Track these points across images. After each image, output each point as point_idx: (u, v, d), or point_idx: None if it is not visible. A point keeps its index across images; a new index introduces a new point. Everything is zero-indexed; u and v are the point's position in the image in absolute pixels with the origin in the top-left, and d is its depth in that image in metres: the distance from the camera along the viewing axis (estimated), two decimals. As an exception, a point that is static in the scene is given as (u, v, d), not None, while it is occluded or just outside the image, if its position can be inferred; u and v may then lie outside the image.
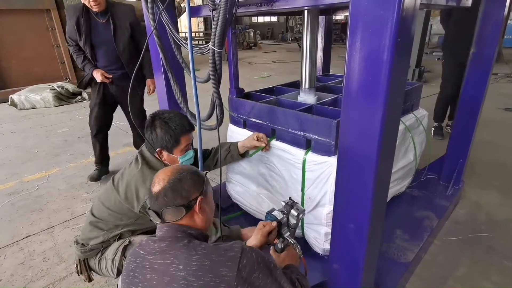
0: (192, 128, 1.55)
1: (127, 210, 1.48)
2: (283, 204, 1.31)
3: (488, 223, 2.27)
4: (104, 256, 1.54)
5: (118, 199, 1.47)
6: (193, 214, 1.01)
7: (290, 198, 1.33)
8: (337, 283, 1.38)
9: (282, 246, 1.27)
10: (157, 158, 1.51)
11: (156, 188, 0.99)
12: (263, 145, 1.74)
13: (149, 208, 1.02)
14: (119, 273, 1.50)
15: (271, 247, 1.29)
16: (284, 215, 1.29)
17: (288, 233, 1.28)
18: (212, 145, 1.91)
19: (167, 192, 0.97)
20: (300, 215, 1.28)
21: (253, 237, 1.28)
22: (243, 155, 1.88)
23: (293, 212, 1.28)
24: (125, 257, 1.49)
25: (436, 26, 14.57)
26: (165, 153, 1.50)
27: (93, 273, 1.62)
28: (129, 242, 1.52)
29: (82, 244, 1.54)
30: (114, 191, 1.49)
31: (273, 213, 1.33)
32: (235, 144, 1.86)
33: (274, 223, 1.28)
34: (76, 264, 1.60)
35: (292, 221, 1.28)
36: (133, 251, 1.00)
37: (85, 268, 1.58)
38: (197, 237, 0.99)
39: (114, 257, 1.50)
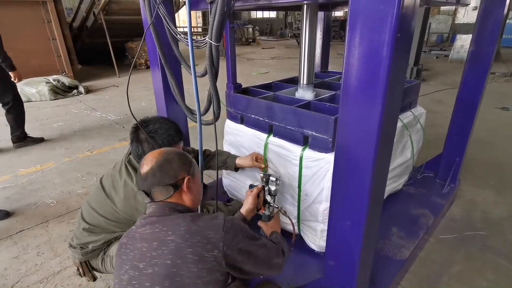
0: (180, 137, 1.47)
1: (125, 220, 1.44)
2: (261, 176, 1.53)
3: (483, 221, 2.28)
4: (107, 254, 1.51)
5: (115, 209, 1.43)
6: (181, 193, 1.06)
7: (266, 167, 1.62)
8: (333, 280, 1.38)
9: (269, 213, 1.47)
10: None
11: (145, 169, 1.03)
12: (262, 166, 1.77)
13: (138, 189, 1.07)
14: None
15: (259, 221, 1.44)
16: (264, 184, 1.51)
17: (272, 200, 1.49)
18: (208, 142, 1.90)
19: (155, 172, 1.01)
20: (278, 181, 1.50)
21: (245, 202, 1.40)
22: (237, 169, 1.89)
23: (272, 178, 1.50)
24: None
25: (435, 25, 14.60)
26: None
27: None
28: None
29: (81, 247, 1.49)
30: (107, 200, 1.44)
31: (254, 184, 1.54)
32: (232, 158, 1.84)
33: (260, 185, 1.48)
34: (77, 267, 1.56)
35: (272, 187, 1.49)
36: (125, 233, 1.05)
37: (88, 269, 1.55)
38: (184, 213, 1.04)
39: None
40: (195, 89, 1.37)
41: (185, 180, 1.05)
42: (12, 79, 3.38)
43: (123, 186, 1.42)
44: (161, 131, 1.39)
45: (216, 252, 0.92)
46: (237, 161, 1.82)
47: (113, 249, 1.50)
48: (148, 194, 1.02)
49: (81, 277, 1.58)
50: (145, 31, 1.53)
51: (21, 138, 3.69)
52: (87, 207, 1.51)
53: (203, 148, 1.87)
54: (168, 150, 1.10)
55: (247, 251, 1.00)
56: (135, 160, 1.45)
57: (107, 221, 1.45)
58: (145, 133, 1.37)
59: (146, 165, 1.03)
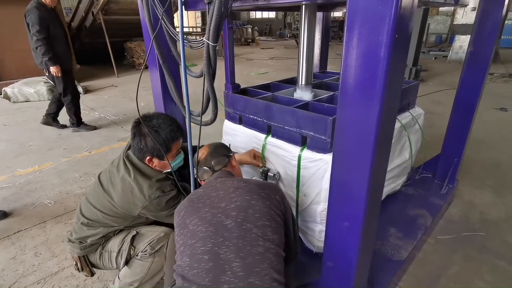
0: (181, 133, 1.51)
1: (123, 214, 1.47)
2: (260, 171, 1.72)
3: (481, 222, 2.28)
4: (106, 249, 1.53)
5: (113, 204, 1.45)
6: (232, 165, 1.43)
7: (264, 166, 1.74)
8: (331, 281, 1.38)
9: None
10: (147, 164, 1.48)
11: (202, 155, 1.42)
12: (260, 164, 1.78)
13: (199, 169, 1.39)
14: (127, 262, 1.51)
15: None
16: (263, 179, 1.67)
17: None
18: (205, 142, 1.89)
19: (212, 153, 1.41)
20: (276, 175, 1.67)
21: None
22: None
23: (270, 174, 1.69)
24: (134, 247, 1.48)
25: (434, 25, 14.62)
26: (155, 160, 1.46)
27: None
28: (137, 232, 1.52)
29: (80, 241, 1.51)
30: (105, 195, 1.46)
31: (254, 178, 1.67)
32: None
33: None
34: (76, 262, 1.57)
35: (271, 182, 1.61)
36: (188, 196, 1.26)
37: (86, 264, 1.57)
38: None
39: (120, 248, 1.49)
40: (185, 86, 1.38)
41: (232, 156, 1.45)
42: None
43: (120, 181, 1.45)
44: (164, 126, 1.43)
45: (278, 198, 1.20)
46: (236, 157, 1.82)
47: (112, 244, 1.52)
48: (210, 168, 1.36)
49: (79, 271, 1.59)
50: (148, 49, 1.52)
51: (73, 123, 4.26)
52: (86, 202, 1.54)
53: (202, 144, 1.88)
54: (212, 143, 1.49)
55: (292, 214, 1.29)
56: (136, 155, 1.47)
57: (105, 216, 1.48)
58: (149, 127, 1.40)
59: (202, 154, 1.42)
